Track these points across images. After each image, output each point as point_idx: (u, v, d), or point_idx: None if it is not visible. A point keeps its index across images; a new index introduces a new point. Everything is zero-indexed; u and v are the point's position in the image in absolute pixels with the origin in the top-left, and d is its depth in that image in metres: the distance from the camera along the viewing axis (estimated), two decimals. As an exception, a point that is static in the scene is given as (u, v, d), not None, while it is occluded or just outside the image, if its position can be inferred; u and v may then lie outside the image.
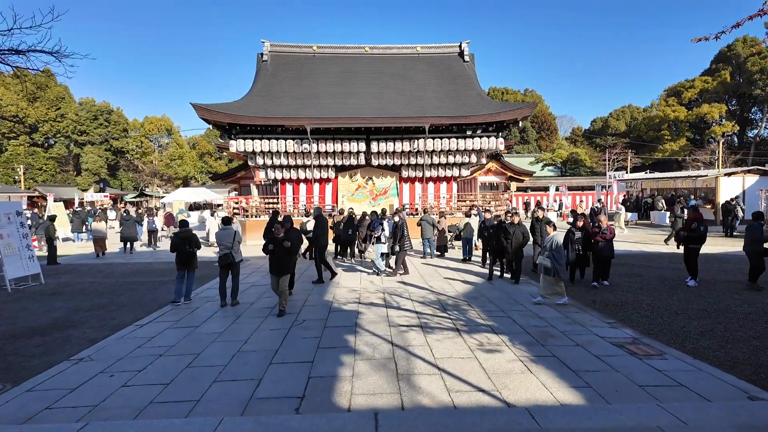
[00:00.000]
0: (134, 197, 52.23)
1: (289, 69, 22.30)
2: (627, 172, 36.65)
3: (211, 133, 66.73)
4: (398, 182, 21.04)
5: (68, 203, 40.97)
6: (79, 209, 27.09)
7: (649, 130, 50.56)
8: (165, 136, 66.47)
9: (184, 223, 8.91)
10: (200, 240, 10.20)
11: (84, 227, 21.72)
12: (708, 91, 48.21)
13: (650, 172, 37.22)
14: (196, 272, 9.10)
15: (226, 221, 8.42)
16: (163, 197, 41.45)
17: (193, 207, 38.02)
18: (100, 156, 53.70)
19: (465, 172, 20.87)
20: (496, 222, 10.95)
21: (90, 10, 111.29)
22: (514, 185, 37.67)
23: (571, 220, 11.59)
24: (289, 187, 20.90)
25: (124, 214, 17.08)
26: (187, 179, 63.19)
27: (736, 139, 52.18)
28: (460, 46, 23.55)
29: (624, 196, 32.07)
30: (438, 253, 14.86)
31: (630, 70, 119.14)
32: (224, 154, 48.36)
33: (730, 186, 23.20)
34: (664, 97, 52.64)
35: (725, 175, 23.61)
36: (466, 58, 23.16)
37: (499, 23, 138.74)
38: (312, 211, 10.69)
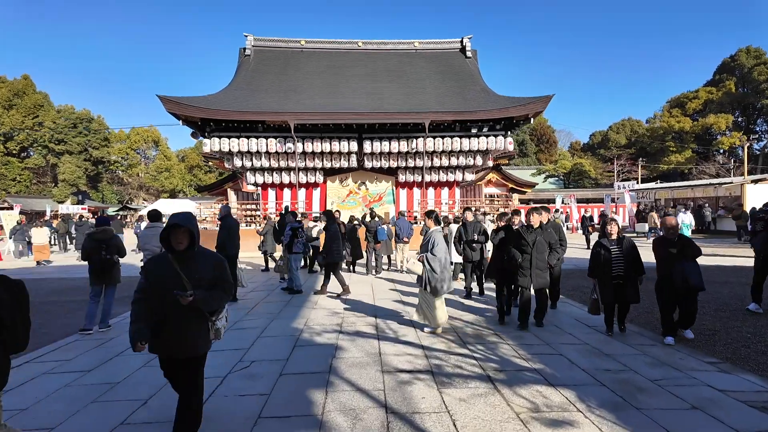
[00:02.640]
0: (116, 211, 49.54)
1: (274, 63, 20.15)
2: (638, 183, 34.60)
3: (201, 145, 64.34)
4: (394, 187, 18.70)
5: (40, 215, 38.42)
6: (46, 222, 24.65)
7: (654, 142, 48.92)
8: (152, 148, 64.04)
9: (102, 221, 6.50)
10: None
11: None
12: (713, 102, 46.82)
13: (660, 183, 35.24)
14: (118, 288, 6.72)
15: (153, 216, 5.95)
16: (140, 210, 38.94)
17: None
18: (79, 166, 50.90)
19: (469, 177, 18.60)
20: (489, 225, 7.72)
21: (74, 12, 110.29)
22: (515, 197, 35.47)
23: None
24: (271, 193, 18.53)
25: (78, 221, 15.21)
26: (174, 192, 60.51)
27: (740, 151, 50.70)
28: (461, 42, 21.58)
29: (638, 207, 29.87)
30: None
31: (628, 83, 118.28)
32: (210, 163, 46.04)
33: (758, 193, 21.08)
34: (667, 108, 51.24)
35: (752, 182, 21.54)
36: (469, 53, 21.17)
37: (494, 35, 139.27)
38: (220, 211, 8.02)
